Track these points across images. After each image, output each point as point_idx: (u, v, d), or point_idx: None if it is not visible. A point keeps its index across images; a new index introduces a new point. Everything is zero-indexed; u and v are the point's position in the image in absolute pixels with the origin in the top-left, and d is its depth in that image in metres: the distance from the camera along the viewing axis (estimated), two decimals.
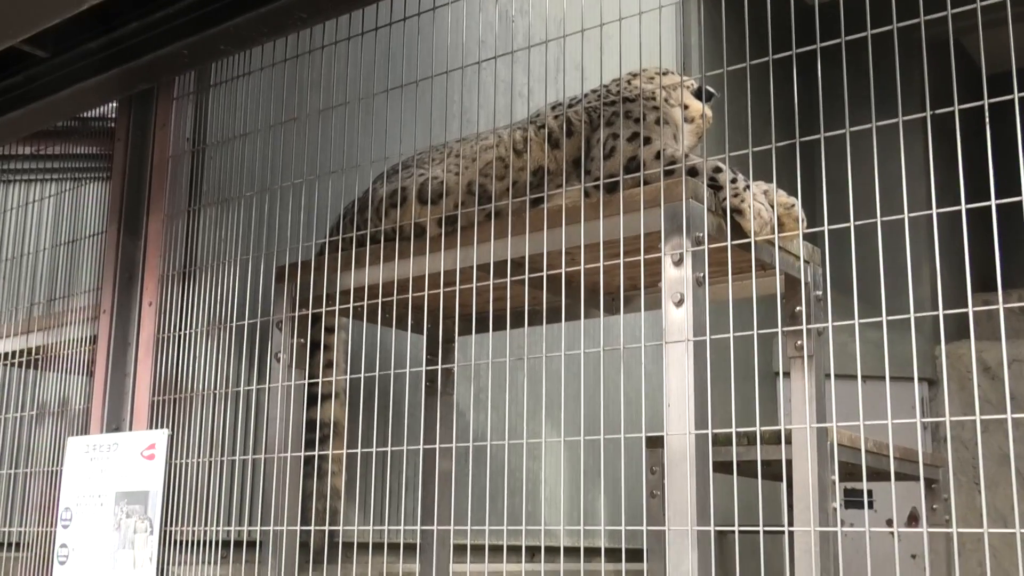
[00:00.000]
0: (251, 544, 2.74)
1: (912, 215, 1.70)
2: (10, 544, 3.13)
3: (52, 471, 3.00)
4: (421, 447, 2.46)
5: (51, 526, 2.91)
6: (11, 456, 3.22)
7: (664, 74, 2.82)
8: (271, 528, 2.59)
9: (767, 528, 1.98)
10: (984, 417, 1.61)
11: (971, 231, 1.63)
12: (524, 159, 2.71)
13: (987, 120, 1.64)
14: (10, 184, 3.69)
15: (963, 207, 1.61)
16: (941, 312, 1.64)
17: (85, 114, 3.44)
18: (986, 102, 1.63)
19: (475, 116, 2.60)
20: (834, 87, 1.89)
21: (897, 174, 1.80)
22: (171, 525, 2.65)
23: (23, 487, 3.11)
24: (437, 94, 2.58)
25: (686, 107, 2.80)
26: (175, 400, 2.81)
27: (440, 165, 2.83)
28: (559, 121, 2.74)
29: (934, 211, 1.66)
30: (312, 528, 2.71)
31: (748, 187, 2.28)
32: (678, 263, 2.09)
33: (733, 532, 2.10)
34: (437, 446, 2.99)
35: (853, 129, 1.82)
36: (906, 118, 1.75)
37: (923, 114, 1.72)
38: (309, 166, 2.69)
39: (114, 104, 3.28)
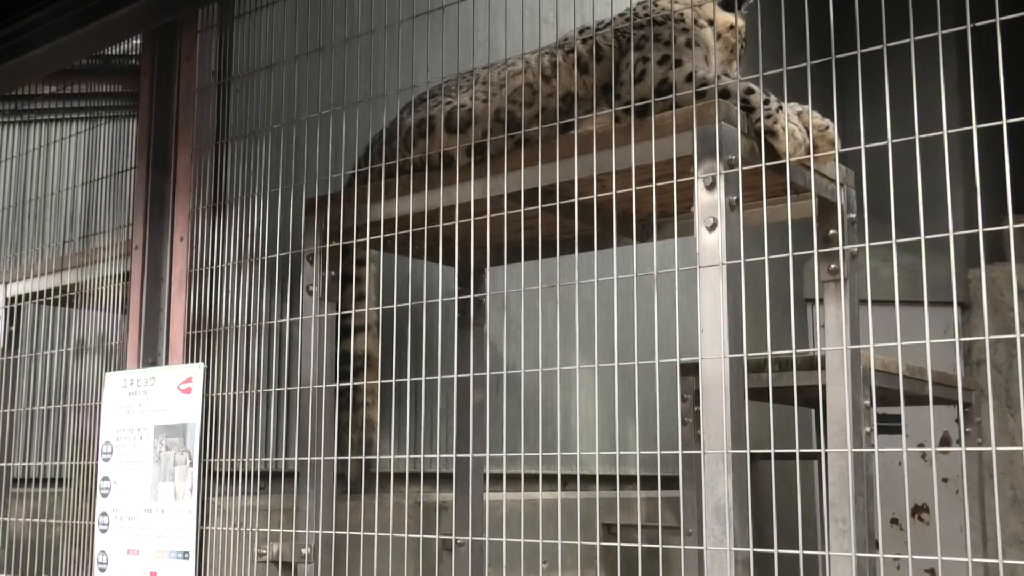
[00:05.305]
0: (288, 475, 2.77)
1: (952, 131, 1.66)
2: (53, 479, 3.18)
3: (91, 406, 3.03)
4: (455, 377, 2.47)
5: (92, 460, 2.95)
6: (51, 392, 3.26)
7: None
8: (308, 459, 2.61)
9: (802, 451, 1.97)
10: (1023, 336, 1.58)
11: (1008, 150, 1.59)
12: (553, 85, 2.68)
13: None
14: (34, 124, 3.69)
15: (1004, 122, 1.58)
16: (981, 230, 1.62)
17: (107, 51, 3.42)
18: None
19: (501, 43, 2.56)
20: (870, 2, 1.85)
21: (929, 94, 1.76)
22: (210, 457, 2.68)
23: (63, 423, 3.15)
24: (463, 21, 2.55)
25: (711, 23, 2.74)
26: (209, 334, 2.83)
27: (468, 93, 2.80)
28: (588, 46, 2.70)
29: (974, 127, 1.62)
30: (348, 459, 2.74)
31: (781, 108, 2.25)
32: (711, 187, 2.07)
33: (767, 457, 2.10)
34: (471, 375, 3.00)
35: (890, 44, 1.78)
36: (945, 31, 1.71)
37: (963, 27, 1.67)
38: (335, 97, 2.67)
39: (137, 40, 3.26)
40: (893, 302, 1.69)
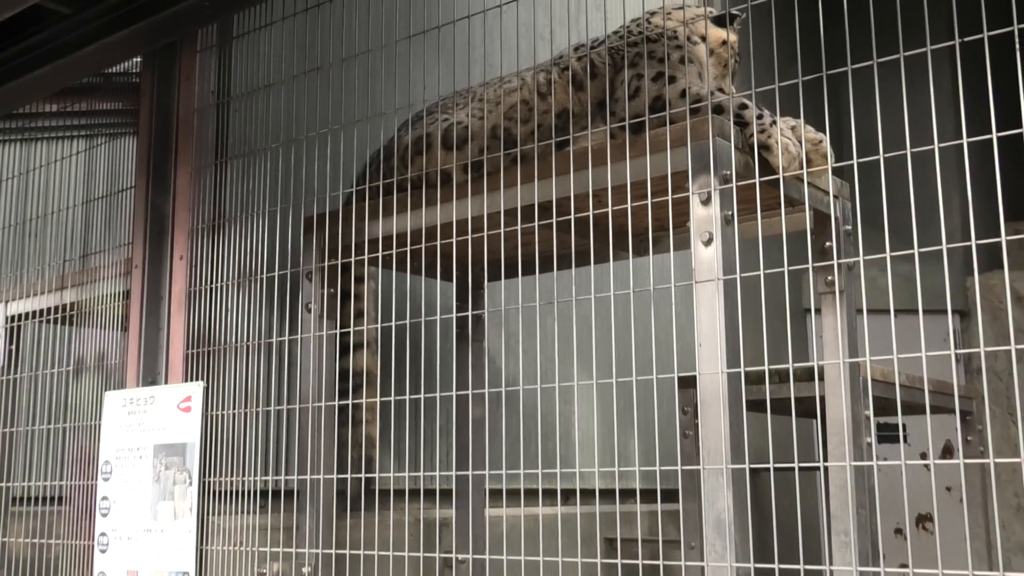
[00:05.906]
0: (288, 493, 2.77)
1: (943, 144, 1.67)
2: (52, 498, 3.19)
3: (91, 425, 3.04)
4: (454, 393, 2.48)
5: (92, 479, 2.96)
6: (51, 411, 3.26)
7: (680, 8, 2.78)
8: (308, 477, 2.62)
9: (802, 465, 1.98)
10: (1019, 347, 1.59)
11: (1000, 160, 1.60)
12: (548, 102, 2.69)
13: (1017, 46, 1.60)
14: (36, 142, 3.71)
15: (994, 135, 1.59)
16: (974, 242, 1.63)
17: (109, 70, 3.44)
18: (1016, 27, 1.60)
19: (497, 60, 2.58)
20: (861, 18, 1.86)
21: (923, 106, 1.77)
22: (209, 476, 2.69)
23: (63, 442, 3.16)
24: (459, 39, 2.56)
25: (704, 39, 2.76)
26: (209, 353, 2.83)
27: (464, 110, 2.81)
28: (583, 63, 2.71)
29: (964, 140, 1.63)
30: (348, 476, 2.74)
31: (775, 122, 2.26)
32: (706, 202, 2.07)
33: (767, 470, 2.10)
34: (470, 392, 3.00)
35: (881, 60, 1.79)
36: (934, 47, 1.72)
37: (952, 42, 1.68)
38: (333, 115, 2.68)
39: (138, 59, 3.28)
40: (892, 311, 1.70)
